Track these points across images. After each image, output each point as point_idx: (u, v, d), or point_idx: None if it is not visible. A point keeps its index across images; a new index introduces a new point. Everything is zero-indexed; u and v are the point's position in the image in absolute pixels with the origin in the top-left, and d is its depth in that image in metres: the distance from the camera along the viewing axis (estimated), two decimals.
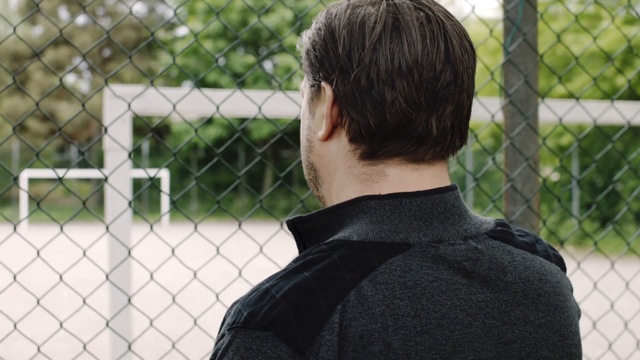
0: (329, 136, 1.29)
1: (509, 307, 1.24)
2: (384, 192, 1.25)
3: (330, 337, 1.10)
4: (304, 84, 1.38)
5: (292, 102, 3.38)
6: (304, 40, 1.34)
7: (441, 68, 1.21)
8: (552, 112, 3.08)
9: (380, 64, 1.20)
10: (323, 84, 1.27)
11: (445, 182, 1.29)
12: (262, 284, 1.18)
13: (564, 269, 1.41)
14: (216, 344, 1.18)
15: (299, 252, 1.31)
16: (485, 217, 1.35)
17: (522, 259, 1.30)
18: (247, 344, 1.12)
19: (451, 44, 1.23)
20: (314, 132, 1.33)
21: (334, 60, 1.25)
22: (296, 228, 1.31)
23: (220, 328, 1.19)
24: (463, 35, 1.27)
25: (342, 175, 1.29)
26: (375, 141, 1.23)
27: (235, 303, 1.19)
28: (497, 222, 1.34)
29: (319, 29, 1.29)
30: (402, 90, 1.20)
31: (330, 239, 1.24)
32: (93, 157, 38.20)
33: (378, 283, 1.15)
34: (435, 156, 1.26)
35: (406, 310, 1.14)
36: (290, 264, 1.21)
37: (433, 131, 1.23)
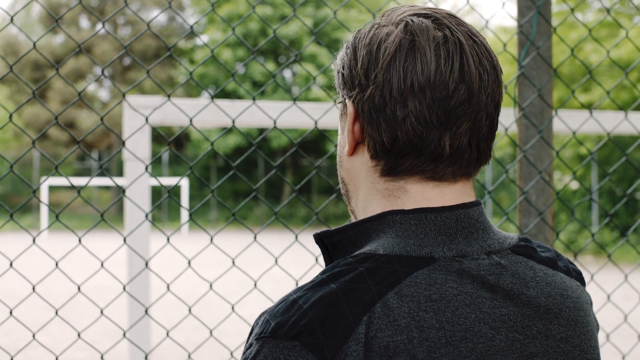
0: (353, 151, 1.33)
1: (531, 321, 1.26)
2: (407, 207, 1.27)
3: (357, 347, 1.12)
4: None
5: (310, 112, 3.40)
6: (337, 61, 1.37)
7: (454, 87, 1.23)
8: (565, 125, 3.09)
9: (393, 83, 1.23)
10: (346, 100, 1.32)
11: (469, 198, 1.31)
12: (290, 295, 1.20)
13: (583, 283, 1.42)
14: (244, 353, 1.20)
15: (326, 265, 1.33)
16: (509, 233, 1.37)
17: (544, 275, 1.32)
18: (274, 353, 1.14)
19: (467, 63, 1.24)
20: (342, 147, 1.37)
21: (355, 78, 1.29)
22: (323, 242, 1.33)
23: (248, 338, 1.21)
24: (484, 55, 1.28)
25: (366, 189, 1.33)
26: (391, 158, 1.26)
27: (263, 313, 1.21)
28: (520, 237, 1.36)
29: (348, 48, 1.34)
30: (413, 108, 1.22)
31: (357, 252, 1.26)
32: (113, 165, 38.32)
33: (403, 296, 1.17)
34: (456, 174, 1.28)
35: (431, 322, 1.16)
36: (317, 276, 1.23)
37: (446, 149, 1.24)
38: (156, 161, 37.27)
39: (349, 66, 1.31)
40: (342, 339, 1.13)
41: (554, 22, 19.16)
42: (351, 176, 1.36)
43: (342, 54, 1.35)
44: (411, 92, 1.22)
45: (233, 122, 3.21)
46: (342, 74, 1.33)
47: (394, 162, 1.26)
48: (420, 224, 1.24)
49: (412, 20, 1.26)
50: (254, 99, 3.04)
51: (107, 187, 39.28)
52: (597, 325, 1.40)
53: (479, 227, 1.28)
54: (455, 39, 1.25)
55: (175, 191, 34.58)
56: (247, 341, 1.21)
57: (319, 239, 1.34)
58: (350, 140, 1.31)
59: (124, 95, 2.70)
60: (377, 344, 1.13)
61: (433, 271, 1.20)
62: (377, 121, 1.25)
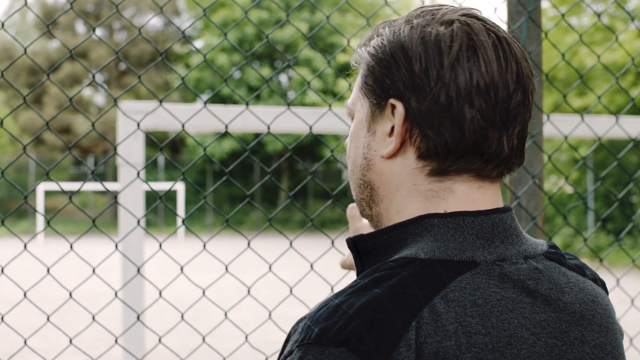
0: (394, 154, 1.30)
1: (568, 327, 1.26)
2: (450, 208, 1.26)
3: (408, 353, 1.10)
4: (353, 102, 1.38)
5: (304, 117, 3.40)
6: (363, 57, 1.34)
7: (514, 88, 1.24)
8: (557, 129, 3.10)
9: (459, 82, 1.22)
10: (393, 101, 1.27)
11: (500, 201, 1.31)
12: (330, 300, 1.17)
13: (607, 293, 1.43)
14: None
15: (357, 271, 1.32)
16: (538, 239, 1.37)
17: (575, 281, 1.32)
18: None
19: (520, 65, 1.26)
20: (375, 150, 1.32)
21: (406, 77, 1.25)
22: (356, 246, 1.31)
23: (285, 345, 1.18)
24: (525, 57, 1.29)
25: (405, 192, 1.29)
26: (448, 158, 1.24)
27: (302, 319, 1.18)
28: (548, 244, 1.37)
29: (384, 45, 1.29)
30: (480, 108, 1.22)
31: (396, 256, 1.24)
32: (110, 170, 38.31)
33: (450, 300, 1.15)
34: (498, 175, 1.29)
35: (477, 328, 1.15)
36: (357, 281, 1.20)
37: (505, 150, 1.25)
38: (152, 166, 37.24)
39: (395, 65, 1.27)
40: (392, 345, 1.10)
41: (549, 26, 19.18)
42: (385, 179, 1.31)
43: (374, 50, 1.31)
44: (477, 92, 1.22)
45: (226, 127, 3.21)
46: (383, 73, 1.28)
47: (450, 163, 1.25)
48: (459, 227, 1.23)
49: (464, 20, 1.26)
50: (247, 104, 3.04)
51: (104, 192, 39.23)
52: (622, 333, 1.40)
53: (512, 232, 1.27)
54: (506, 40, 1.26)
55: (171, 196, 34.58)
56: (285, 348, 1.17)
57: (352, 243, 1.31)
58: (397, 142, 1.27)
59: (115, 100, 2.70)
60: (427, 350, 1.11)
61: (476, 275, 1.20)
62: (440, 121, 1.23)
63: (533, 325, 1.21)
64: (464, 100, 1.21)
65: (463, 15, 1.28)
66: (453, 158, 1.24)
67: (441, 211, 1.26)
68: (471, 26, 1.25)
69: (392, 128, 1.28)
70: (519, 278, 1.23)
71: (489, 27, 1.27)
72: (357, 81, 1.37)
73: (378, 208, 1.34)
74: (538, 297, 1.23)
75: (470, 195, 1.26)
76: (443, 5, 1.32)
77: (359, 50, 1.36)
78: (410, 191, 1.28)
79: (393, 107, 1.27)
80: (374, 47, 1.31)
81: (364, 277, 1.20)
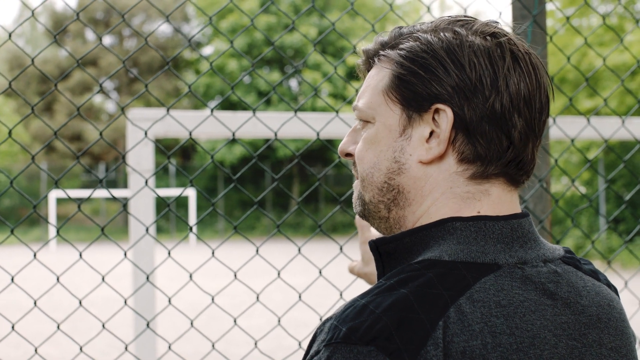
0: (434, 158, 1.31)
1: (586, 329, 1.29)
2: (483, 209, 1.29)
3: (436, 352, 1.12)
4: (370, 106, 1.36)
5: (312, 123, 3.41)
6: (395, 60, 1.33)
7: (545, 101, 1.32)
8: (563, 132, 3.10)
9: (511, 92, 1.27)
10: (440, 106, 1.28)
11: (519, 207, 1.35)
12: (357, 300, 1.19)
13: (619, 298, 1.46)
14: None
15: (378, 274, 1.34)
16: (553, 244, 1.39)
17: (592, 285, 1.35)
18: (348, 359, 1.12)
19: (544, 80, 1.33)
20: (410, 155, 1.31)
21: (457, 83, 1.27)
22: (378, 249, 1.33)
23: (311, 345, 1.19)
24: (546, 71, 1.36)
25: (438, 194, 1.31)
26: (492, 164, 1.28)
27: (328, 319, 1.19)
28: (564, 249, 1.40)
29: (427, 50, 1.29)
30: (525, 118, 1.28)
31: (420, 258, 1.26)
32: (121, 177, 38.34)
33: (475, 301, 1.18)
34: (523, 181, 1.35)
35: (502, 328, 1.18)
36: (382, 282, 1.22)
37: (533, 158, 1.33)
38: (163, 172, 37.26)
39: (445, 71, 1.27)
40: (419, 344, 1.12)
41: (557, 27, 19.13)
42: (419, 184, 1.32)
43: (413, 55, 1.31)
44: (524, 102, 1.28)
45: (233, 134, 3.22)
46: (427, 79, 1.28)
47: (494, 168, 1.29)
48: (480, 231, 1.26)
49: (503, 33, 1.31)
50: (254, 111, 3.05)
51: (115, 199, 39.19)
52: (635, 337, 1.43)
53: (530, 237, 1.31)
54: (533, 55, 1.33)
55: (183, 202, 34.58)
56: (312, 348, 1.18)
57: (375, 246, 1.33)
58: (443, 147, 1.28)
59: (122, 109, 2.72)
60: (454, 349, 1.13)
61: (499, 277, 1.22)
62: (491, 129, 1.27)
63: (554, 327, 1.24)
64: (514, 110, 1.27)
65: (496, 29, 1.32)
66: (497, 164, 1.28)
67: (474, 212, 1.29)
68: (511, 40, 1.30)
69: (431, 133, 1.30)
70: (539, 281, 1.26)
71: (520, 43, 1.32)
72: (377, 84, 1.36)
73: (402, 211, 1.35)
74: (558, 300, 1.27)
75: (501, 198, 1.30)
76: (468, 17, 1.35)
77: (387, 52, 1.35)
78: (445, 194, 1.30)
79: (437, 112, 1.29)
80: (410, 51, 1.31)
81: (388, 278, 1.22)
